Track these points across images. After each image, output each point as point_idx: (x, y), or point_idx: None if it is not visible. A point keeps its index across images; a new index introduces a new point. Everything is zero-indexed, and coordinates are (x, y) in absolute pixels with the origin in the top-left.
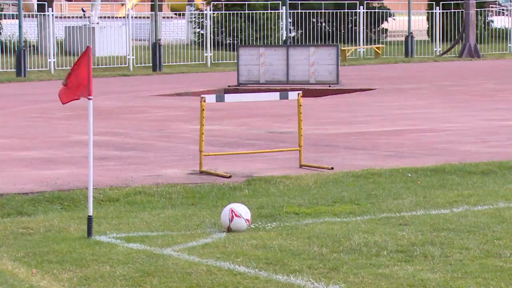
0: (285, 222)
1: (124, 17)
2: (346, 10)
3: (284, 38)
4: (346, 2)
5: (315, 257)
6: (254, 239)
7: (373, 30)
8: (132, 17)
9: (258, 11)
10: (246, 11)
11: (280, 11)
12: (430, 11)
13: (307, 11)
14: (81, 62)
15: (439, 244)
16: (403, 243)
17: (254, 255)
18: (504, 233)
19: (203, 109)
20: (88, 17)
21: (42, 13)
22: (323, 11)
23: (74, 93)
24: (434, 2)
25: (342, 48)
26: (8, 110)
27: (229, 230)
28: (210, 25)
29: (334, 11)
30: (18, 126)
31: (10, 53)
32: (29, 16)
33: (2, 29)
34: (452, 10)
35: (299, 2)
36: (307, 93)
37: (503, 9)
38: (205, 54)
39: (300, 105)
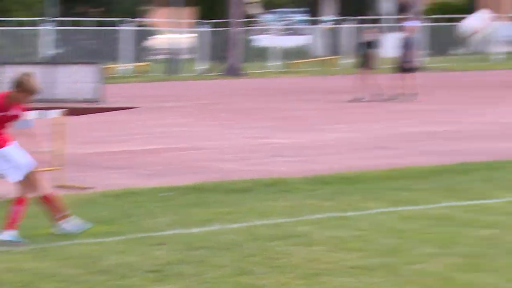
0: (41, 244)
1: None
2: (110, 28)
3: (47, 55)
4: (111, 19)
5: (68, 279)
6: (9, 262)
7: (137, 48)
8: None
9: (20, 28)
10: (8, 28)
11: (45, 27)
12: (197, 29)
13: (72, 27)
14: None
15: (194, 262)
16: (158, 263)
17: (6, 279)
18: (257, 250)
19: None
20: None
21: None
22: (88, 28)
23: None
24: (201, 21)
25: (105, 66)
26: None
27: None
28: None
29: (98, 28)
30: None
31: None
32: None
33: None
34: (221, 29)
35: (65, 18)
36: (69, 112)
37: (266, 28)
38: None
39: (61, 124)
